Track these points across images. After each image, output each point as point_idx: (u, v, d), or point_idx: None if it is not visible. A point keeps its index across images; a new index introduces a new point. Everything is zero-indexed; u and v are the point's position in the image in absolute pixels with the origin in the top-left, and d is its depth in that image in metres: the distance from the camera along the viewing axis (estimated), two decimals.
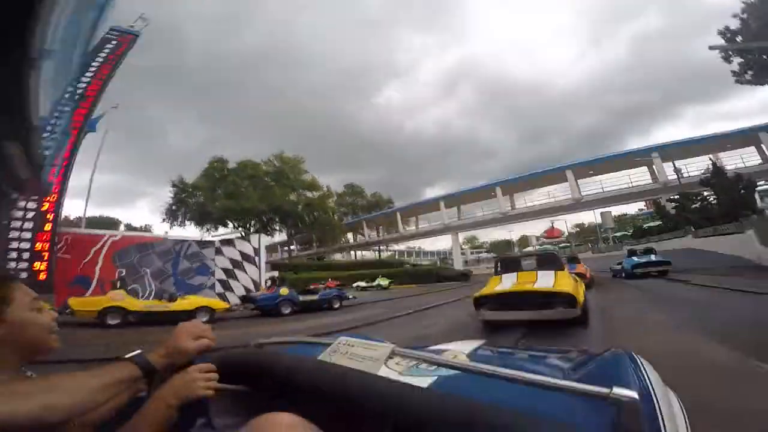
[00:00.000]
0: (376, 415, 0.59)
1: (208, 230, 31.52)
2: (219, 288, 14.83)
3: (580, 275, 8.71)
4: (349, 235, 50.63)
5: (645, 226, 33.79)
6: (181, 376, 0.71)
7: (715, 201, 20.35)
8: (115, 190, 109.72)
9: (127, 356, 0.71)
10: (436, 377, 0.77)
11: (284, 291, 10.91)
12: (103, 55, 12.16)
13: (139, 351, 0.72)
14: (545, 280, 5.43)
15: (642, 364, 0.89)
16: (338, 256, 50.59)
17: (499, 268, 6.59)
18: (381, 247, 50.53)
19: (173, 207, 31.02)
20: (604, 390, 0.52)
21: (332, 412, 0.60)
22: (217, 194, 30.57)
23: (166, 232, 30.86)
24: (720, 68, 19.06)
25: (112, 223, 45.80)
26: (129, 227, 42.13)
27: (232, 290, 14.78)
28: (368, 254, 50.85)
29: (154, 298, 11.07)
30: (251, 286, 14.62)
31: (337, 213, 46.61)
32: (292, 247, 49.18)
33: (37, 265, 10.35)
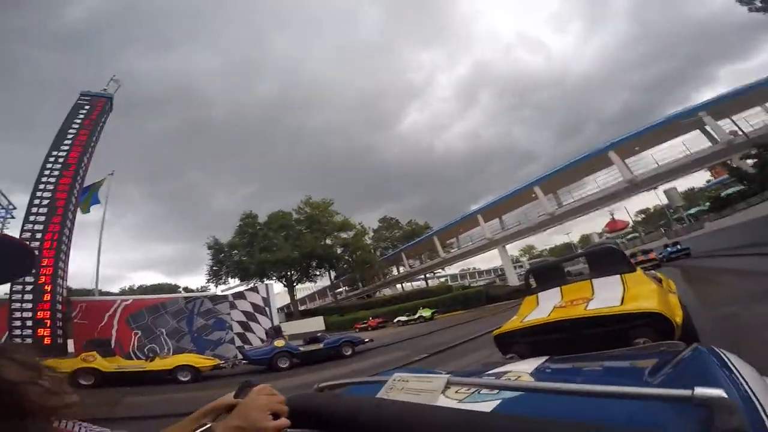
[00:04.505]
0: None
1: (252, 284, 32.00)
2: (238, 341, 14.45)
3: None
4: (393, 269, 48.94)
5: (723, 194, 27.53)
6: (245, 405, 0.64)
7: None
8: (180, 260, 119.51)
9: None
10: (499, 401, 0.75)
11: (279, 343, 9.95)
12: (78, 121, 12.83)
13: (208, 425, 0.63)
14: (608, 293, 3.19)
15: (728, 359, 0.80)
16: (388, 291, 48.74)
17: (532, 284, 4.10)
18: (429, 274, 47.94)
19: (214, 268, 32.16)
20: (685, 392, 0.46)
21: None
22: (254, 249, 31.18)
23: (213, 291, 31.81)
24: (725, 17, 15.83)
25: (171, 289, 49.32)
26: (186, 289, 44.64)
27: (250, 343, 14.23)
28: (419, 284, 48.41)
29: (154, 356, 10.58)
30: (265, 337, 13.79)
31: (377, 248, 45.71)
32: (339, 290, 48.64)
33: (40, 331, 10.98)
